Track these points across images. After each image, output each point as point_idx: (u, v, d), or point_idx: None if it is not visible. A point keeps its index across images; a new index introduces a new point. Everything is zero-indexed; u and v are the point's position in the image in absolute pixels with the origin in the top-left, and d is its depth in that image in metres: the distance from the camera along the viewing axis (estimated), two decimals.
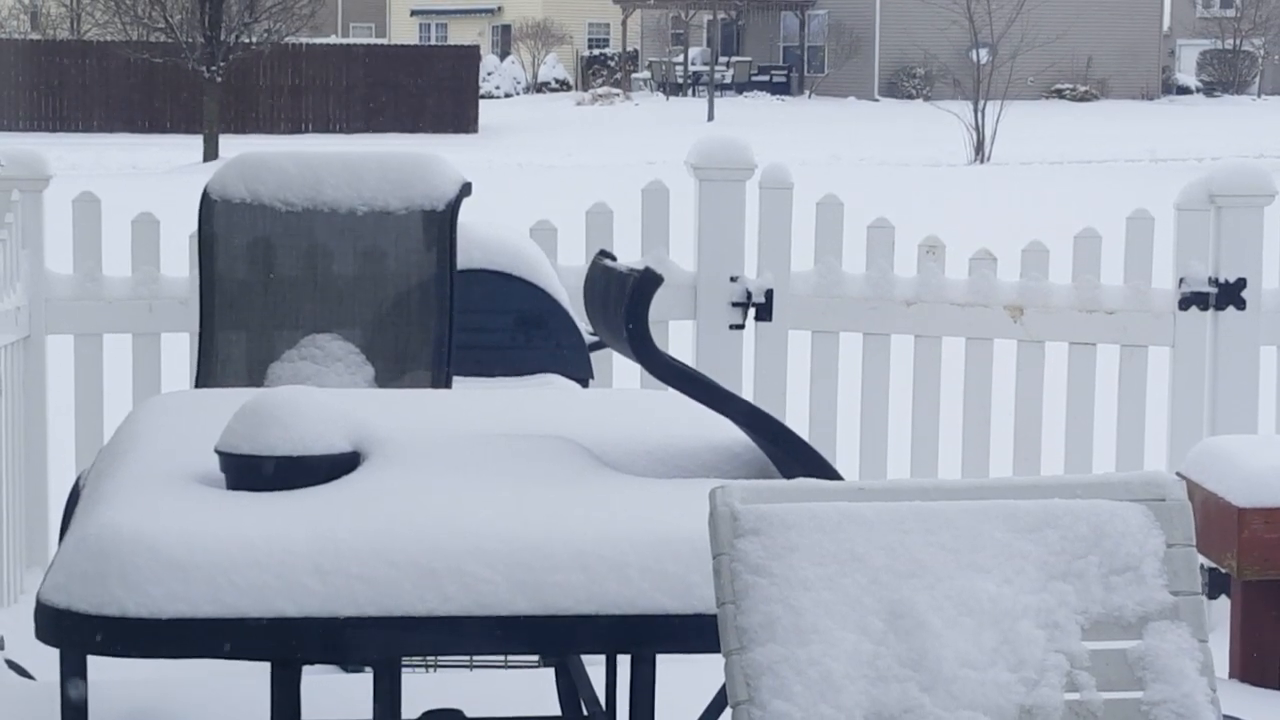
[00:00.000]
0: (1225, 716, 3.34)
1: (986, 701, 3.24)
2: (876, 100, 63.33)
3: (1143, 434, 8.01)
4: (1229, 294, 7.68)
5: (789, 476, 3.84)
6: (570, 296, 6.79)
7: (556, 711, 5.22)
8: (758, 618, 3.20)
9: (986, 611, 3.28)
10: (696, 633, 3.63)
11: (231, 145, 30.25)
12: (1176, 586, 3.34)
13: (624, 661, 4.69)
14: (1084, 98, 63.15)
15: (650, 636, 3.72)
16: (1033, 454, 8.06)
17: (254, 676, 5.99)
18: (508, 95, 63.36)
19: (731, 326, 7.97)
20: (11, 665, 6.32)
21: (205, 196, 5.89)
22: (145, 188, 22.51)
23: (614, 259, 4.78)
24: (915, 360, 8.10)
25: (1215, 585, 6.84)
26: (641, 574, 3.66)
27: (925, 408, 8.12)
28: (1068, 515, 3.35)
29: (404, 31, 74.44)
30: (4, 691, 6.00)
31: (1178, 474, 6.09)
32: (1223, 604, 6.78)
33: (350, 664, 6.00)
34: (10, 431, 7.25)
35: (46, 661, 6.30)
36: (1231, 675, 6.58)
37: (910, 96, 59.45)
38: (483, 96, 52.33)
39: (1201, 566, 6.74)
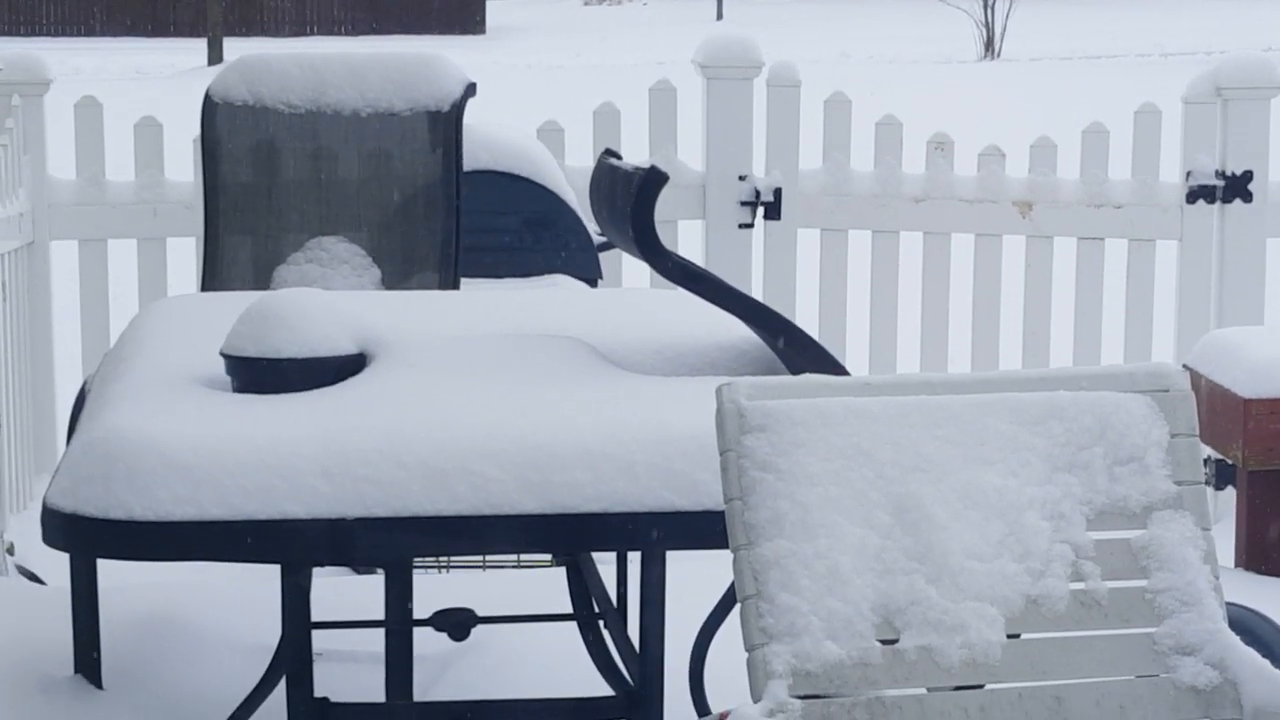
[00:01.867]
0: (1229, 604, 3.36)
1: (992, 592, 3.26)
2: None
3: (1150, 327, 8.02)
4: (1236, 187, 7.68)
5: (796, 372, 3.86)
6: (577, 196, 6.80)
7: (568, 610, 5.24)
8: (765, 513, 3.21)
9: (992, 504, 3.30)
10: (705, 529, 3.64)
11: (236, 48, 30.21)
12: (1180, 476, 3.36)
13: (634, 559, 4.71)
14: None
15: (659, 534, 3.73)
16: (1041, 349, 8.08)
17: (264, 579, 6.02)
18: None
19: (740, 225, 7.97)
20: (22, 571, 6.35)
21: (208, 99, 5.89)
22: (149, 92, 22.45)
23: (620, 158, 4.78)
24: (924, 257, 8.10)
25: (1221, 476, 6.85)
26: (649, 471, 3.68)
27: (934, 305, 8.13)
28: (1072, 407, 3.37)
29: None
30: (15, 596, 6.03)
31: (1184, 366, 6.12)
32: (1228, 494, 6.80)
33: (360, 565, 6.03)
34: (15, 337, 7.27)
35: (57, 566, 6.34)
36: (1236, 564, 6.61)
37: None
38: None
39: (1207, 458, 6.79)
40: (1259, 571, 6.56)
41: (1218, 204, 7.72)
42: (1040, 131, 8.21)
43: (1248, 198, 7.68)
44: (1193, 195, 7.74)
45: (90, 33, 42.94)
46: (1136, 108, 8.08)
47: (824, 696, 3.16)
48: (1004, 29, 39.80)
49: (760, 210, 7.97)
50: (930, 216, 8.01)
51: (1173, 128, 7.99)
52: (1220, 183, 7.69)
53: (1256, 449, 6.49)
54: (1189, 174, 7.76)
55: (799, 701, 3.14)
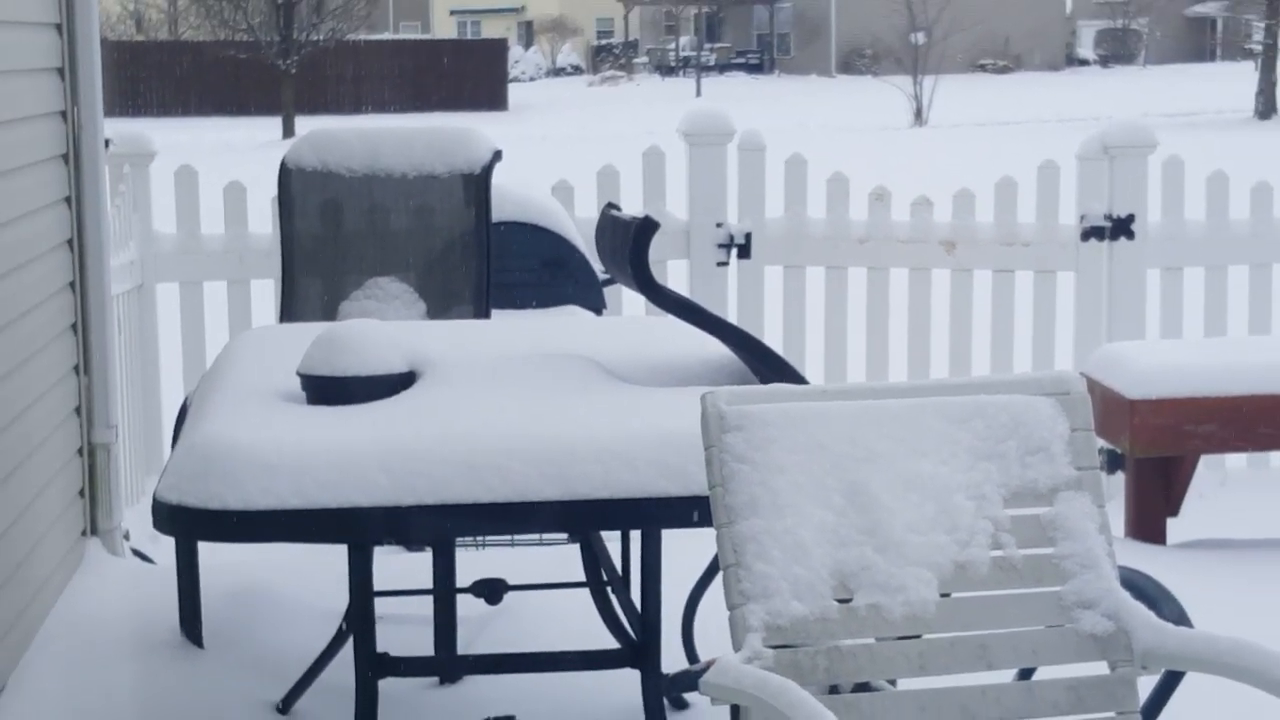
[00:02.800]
0: (1120, 567, 3.37)
1: (928, 559, 3.27)
2: (834, 77, 63.08)
3: (1053, 343, 8.02)
4: (1121, 227, 7.70)
5: (765, 383, 3.86)
6: (585, 242, 6.80)
7: (582, 579, 5.23)
8: (742, 497, 3.22)
9: (927, 487, 3.31)
10: (693, 511, 3.64)
11: (304, 124, 30.18)
12: (1080, 463, 3.37)
13: (635, 536, 4.71)
14: (1002, 70, 62.89)
15: (656, 515, 3.74)
16: (963, 362, 8.08)
17: (333, 556, 6.02)
18: (531, 79, 63.09)
19: (718, 264, 7.97)
20: (136, 553, 6.34)
21: (283, 166, 5.90)
22: (234, 161, 22.44)
23: (619, 210, 4.78)
24: (868, 288, 8.10)
25: (1112, 463, 6.85)
26: (648, 465, 3.68)
27: (876, 326, 8.13)
28: (991, 407, 3.38)
29: (444, 27, 74.18)
30: (130, 573, 6.03)
31: (1081, 373, 6.11)
32: (1119, 478, 6.80)
33: (412, 545, 6.02)
34: (128, 363, 7.27)
35: (164, 548, 6.34)
36: (1126, 535, 6.61)
37: (861, 73, 59.16)
38: (511, 80, 52.09)
39: (1101, 448, 6.76)
40: (1144, 540, 6.57)
41: (1106, 241, 7.72)
42: (961, 184, 8.21)
43: (1130, 236, 7.69)
44: (1086, 234, 7.75)
45: (186, 113, 42.97)
46: (1039, 163, 8.08)
47: (791, 646, 3.17)
48: (930, 102, 39.85)
49: (734, 251, 7.97)
50: (872, 254, 8.02)
51: (1069, 179, 8.00)
52: (1108, 224, 7.70)
53: (1141, 440, 6.51)
54: (1083, 217, 7.76)
55: (771, 651, 3.15)
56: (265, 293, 7.77)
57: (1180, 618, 3.56)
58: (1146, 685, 4.18)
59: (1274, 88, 39.97)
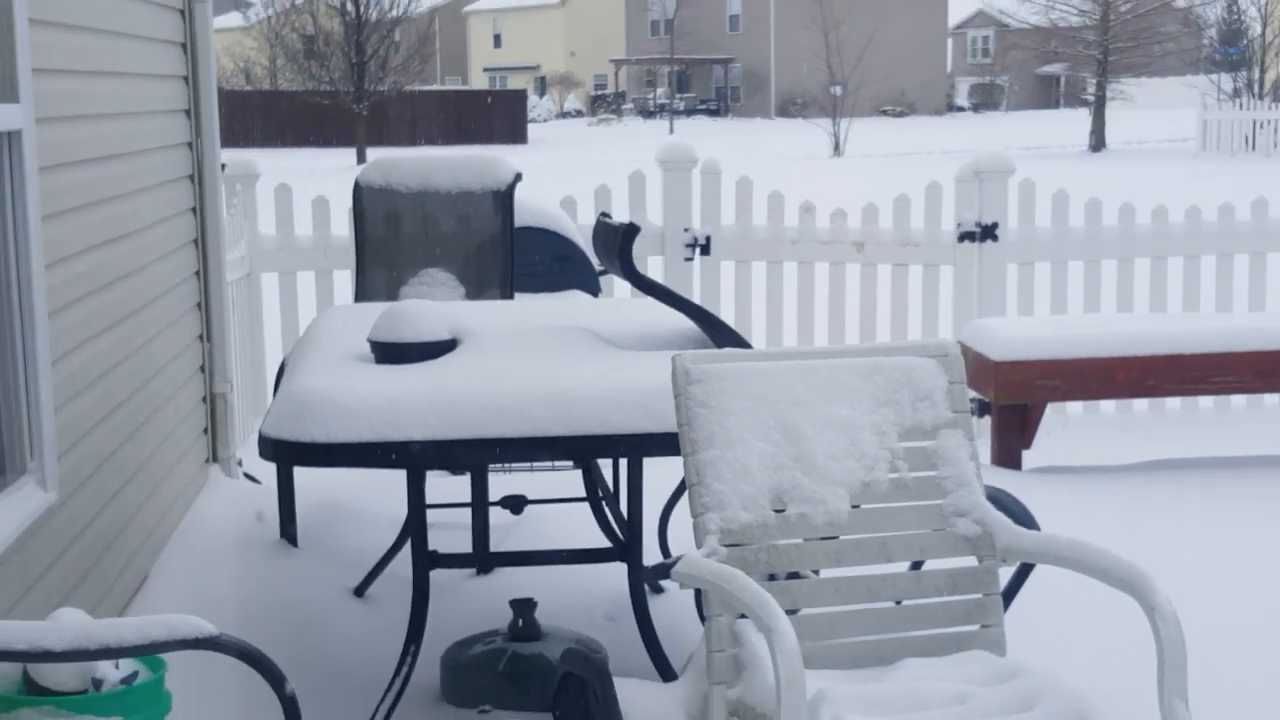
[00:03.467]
0: (986, 486, 3.39)
1: (842, 480, 3.28)
2: (773, 119, 62.94)
3: (937, 319, 8.01)
4: (987, 232, 7.69)
5: (720, 348, 3.85)
6: (585, 241, 6.80)
7: (583, 495, 5.23)
8: (702, 433, 3.23)
9: (841, 426, 3.32)
10: (667, 443, 3.63)
11: (373, 153, 30.19)
12: (955, 408, 3.39)
13: (623, 463, 4.70)
14: (899, 115, 62.77)
15: (638, 447, 3.74)
16: (870, 333, 8.06)
17: (396, 478, 6.02)
18: (544, 120, 62.86)
19: (685, 259, 7.96)
20: (247, 475, 6.34)
21: (357, 185, 5.89)
22: (319, 181, 22.34)
23: (610, 218, 4.77)
24: (799, 278, 8.08)
25: (981, 409, 6.86)
26: (634, 408, 3.68)
27: (804, 307, 8.10)
28: (889, 366, 3.39)
29: (479, 81, 74.07)
30: (242, 491, 6.03)
31: (958, 341, 6.11)
32: (986, 421, 6.82)
33: (455, 470, 6.02)
34: (240, 334, 7.26)
35: (267, 472, 6.32)
36: (991, 463, 6.63)
37: (793, 116, 58.79)
38: (529, 121, 51.96)
39: (972, 398, 6.76)
40: (1005, 467, 6.60)
41: (977, 243, 7.71)
42: (868, 199, 8.19)
43: (995, 238, 7.68)
44: (961, 237, 7.73)
45: (283, 145, 42.83)
46: (927, 184, 8.07)
47: (740, 545, 3.19)
48: (845, 138, 39.81)
49: (697, 249, 7.95)
50: (801, 252, 8.00)
51: (949, 196, 7.98)
52: (978, 229, 7.68)
53: (1002, 392, 6.53)
54: (959, 224, 7.75)
55: (725, 549, 3.17)
56: (343, 280, 7.75)
57: (1031, 523, 3.56)
58: (1006, 574, 4.17)
59: (1103, 129, 39.91)
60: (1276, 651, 4.43)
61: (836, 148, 39.56)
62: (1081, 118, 46.05)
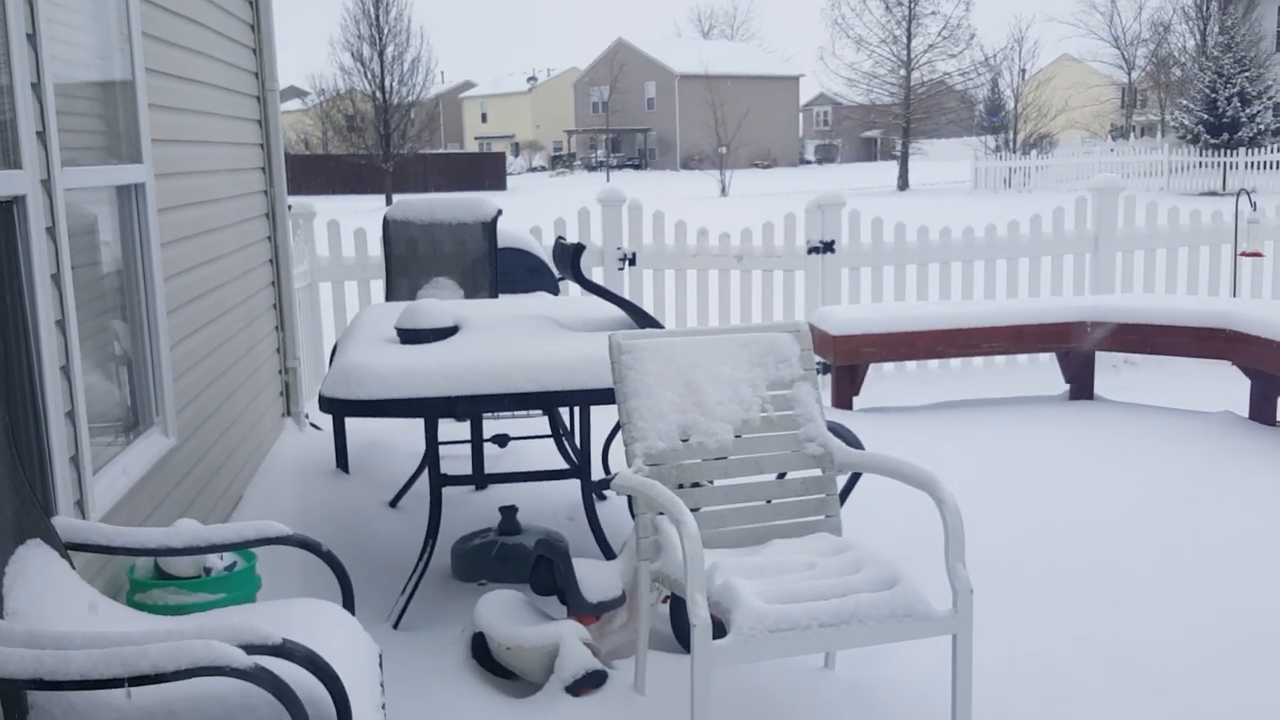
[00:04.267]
0: (827, 421, 3.40)
1: (727, 418, 3.26)
2: (679, 171, 62.66)
3: (794, 308, 8.05)
4: (828, 246, 7.70)
5: (642, 329, 3.85)
6: (548, 257, 6.76)
7: (549, 433, 5.23)
8: (630, 387, 3.22)
9: (727, 381, 3.31)
10: (606, 396, 3.63)
11: (396, 198, 29.93)
12: (805, 367, 3.38)
13: (577, 410, 4.70)
14: (766, 167, 62.64)
15: (586, 398, 3.70)
16: (748, 318, 8.07)
17: (417, 424, 5.99)
18: (519, 173, 62.18)
19: (618, 269, 7.92)
20: (313, 425, 6.28)
21: (385, 219, 5.82)
22: (358, 217, 22.13)
23: (565, 239, 4.75)
24: (698, 283, 8.08)
25: (824, 369, 6.88)
26: (584, 372, 3.66)
27: (702, 301, 8.08)
28: (760, 338, 3.38)
29: (471, 146, 73.25)
30: (308, 437, 5.97)
31: (809, 323, 6.14)
32: (828, 377, 6.84)
33: (459, 418, 6.01)
34: (305, 326, 7.18)
35: (325, 422, 6.26)
36: (832, 405, 6.66)
37: (693, 169, 58.50)
38: (508, 174, 51.44)
39: (818, 361, 6.77)
40: (841, 408, 6.62)
41: (821, 254, 7.73)
42: (745, 224, 8.21)
43: (833, 251, 7.70)
44: (810, 250, 7.74)
45: (333, 193, 42.22)
46: (785, 214, 8.09)
47: (657, 464, 3.18)
48: (729, 183, 39.74)
49: (626, 262, 7.93)
50: (699, 263, 7.97)
51: (801, 221, 8.00)
52: (821, 245, 7.69)
53: (839, 356, 6.55)
54: (808, 241, 7.76)
55: (647, 467, 3.16)
56: (378, 287, 7.69)
57: (858, 445, 3.59)
58: (842, 481, 4.19)
59: (907, 174, 39.99)
60: (1020, 525, 4.51)
61: (723, 190, 39.41)
62: (891, 167, 46.22)
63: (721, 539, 3.22)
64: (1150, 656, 3.38)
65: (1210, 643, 3.47)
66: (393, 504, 4.90)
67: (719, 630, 2.79)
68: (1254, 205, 8.20)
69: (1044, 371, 7.73)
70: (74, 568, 2.25)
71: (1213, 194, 26.93)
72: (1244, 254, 7.64)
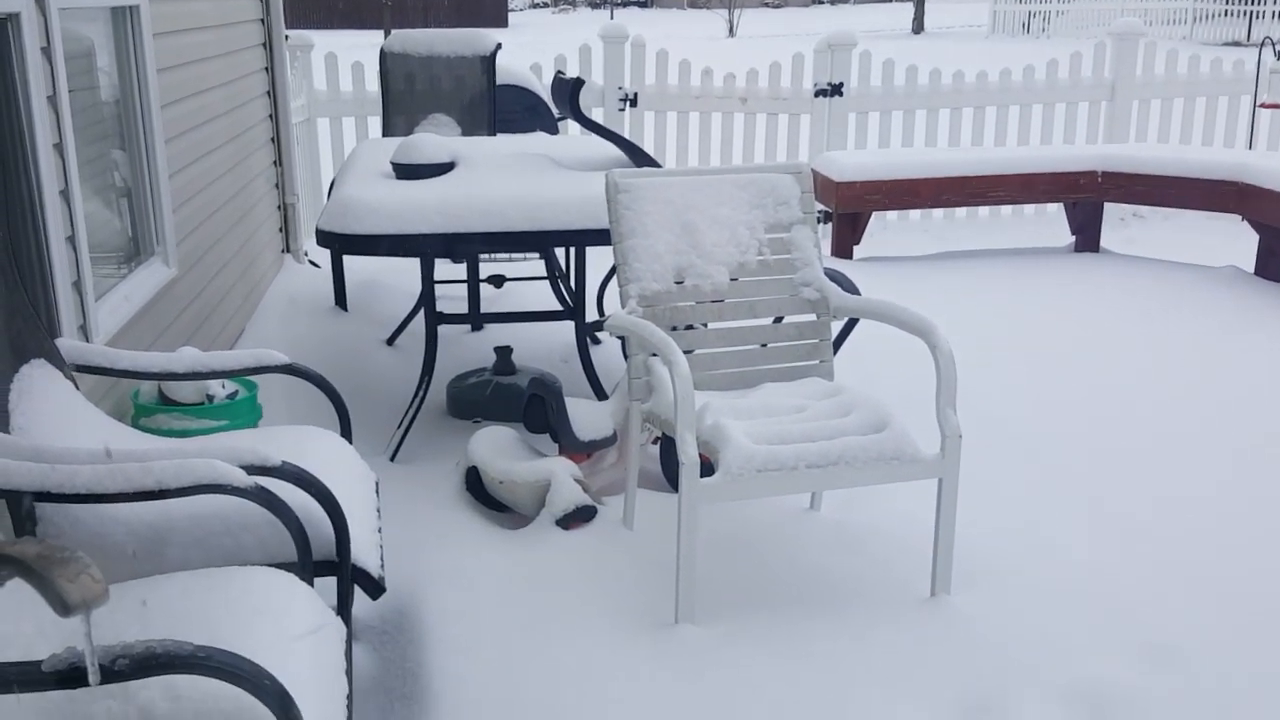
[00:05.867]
0: (825, 268, 3.42)
1: (723, 260, 3.29)
2: (685, 10, 61.18)
3: (798, 153, 7.99)
4: (835, 90, 7.61)
5: (640, 167, 3.85)
6: (546, 95, 6.68)
7: (545, 274, 5.27)
8: (626, 227, 3.23)
9: (724, 223, 3.32)
10: (601, 236, 3.66)
11: (395, 31, 29.41)
12: (805, 210, 3.38)
13: (572, 251, 4.73)
14: (777, 6, 61.09)
15: (583, 239, 3.71)
16: (750, 158, 8.03)
17: (413, 264, 6.02)
18: (520, 10, 60.79)
19: (619, 110, 7.84)
20: (312, 263, 6.31)
21: (382, 52, 5.74)
22: (357, 51, 21.74)
23: (565, 74, 4.71)
24: (699, 124, 8.00)
25: (826, 217, 6.89)
26: (579, 212, 3.67)
27: (704, 144, 8.04)
28: (759, 179, 3.38)
29: None
30: (307, 274, 6.01)
31: (811, 168, 6.11)
32: (829, 225, 6.84)
33: (456, 259, 6.04)
34: (304, 161, 7.15)
35: (324, 258, 6.29)
36: (831, 254, 6.68)
37: (700, 8, 57.19)
38: (509, 10, 50.27)
39: (820, 209, 6.77)
40: (841, 257, 6.65)
41: (828, 98, 7.65)
42: (751, 65, 8.10)
43: (841, 94, 7.61)
44: (817, 94, 7.65)
45: (331, 27, 41.30)
46: (793, 54, 7.97)
47: (651, 306, 3.21)
48: (737, 24, 38.83)
49: (628, 103, 7.84)
50: (702, 105, 7.88)
51: (810, 63, 7.90)
52: (829, 88, 7.60)
53: (841, 203, 6.55)
54: (816, 84, 7.66)
55: (641, 309, 3.20)
56: (375, 123, 7.63)
57: (855, 291, 3.63)
58: (838, 328, 4.25)
59: (923, 16, 39.07)
60: (1016, 376, 4.59)
61: (731, 30, 38.53)
62: (907, 9, 45.13)
63: (713, 381, 3.26)
64: (1139, 513, 3.48)
65: (1204, 502, 3.56)
66: (390, 342, 4.97)
67: (708, 471, 2.88)
68: (1278, 55, 8.06)
69: (1051, 224, 7.73)
70: (78, 389, 2.32)
71: (1236, 44, 26.35)
72: (1263, 105, 7.55)
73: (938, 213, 7.85)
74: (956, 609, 2.86)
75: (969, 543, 3.22)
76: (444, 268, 6.16)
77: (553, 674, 2.55)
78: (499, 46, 5.80)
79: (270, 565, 2.04)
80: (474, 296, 4.62)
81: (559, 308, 4.95)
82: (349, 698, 1.84)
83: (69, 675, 1.38)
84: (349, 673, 1.91)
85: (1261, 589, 3.00)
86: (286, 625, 1.74)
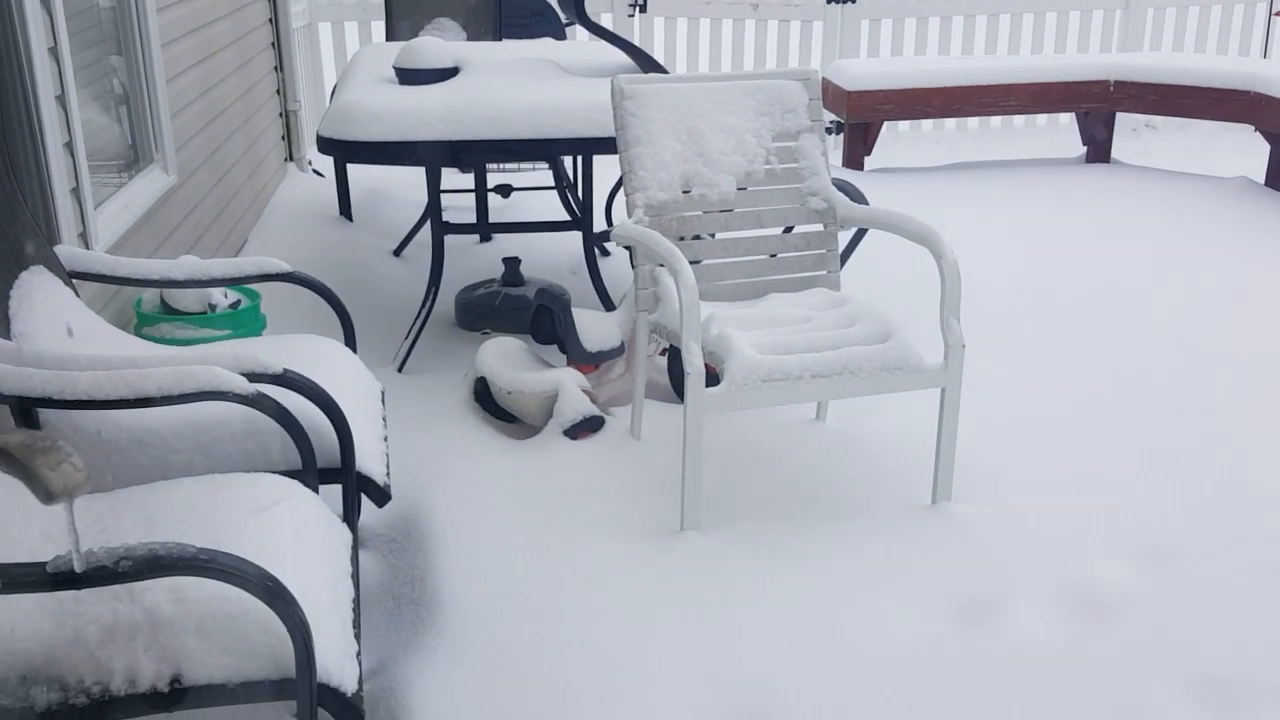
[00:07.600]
0: (834, 178, 3.39)
1: (731, 169, 3.27)
2: None
3: (810, 61, 7.87)
4: None
5: (646, 73, 3.80)
6: (554, 0, 6.57)
7: (552, 184, 5.23)
8: (632, 135, 3.20)
9: (731, 130, 3.29)
10: (608, 144, 3.63)
11: None
12: (813, 118, 3.34)
13: (580, 159, 4.68)
14: None
15: (589, 147, 3.66)
16: (762, 64, 7.90)
17: (418, 172, 5.98)
18: None
19: (628, 15, 7.71)
20: (315, 171, 6.27)
21: None
22: None
23: None
24: (710, 30, 7.88)
25: (837, 127, 6.81)
26: (585, 119, 3.63)
27: (715, 48, 7.93)
28: (767, 86, 3.33)
29: None
30: (310, 182, 5.98)
31: (823, 76, 6.03)
32: (840, 136, 6.77)
33: (464, 169, 5.99)
34: (306, 66, 7.07)
35: (327, 166, 6.25)
36: (843, 165, 6.62)
37: None
38: None
39: (830, 119, 6.70)
40: (852, 168, 6.59)
41: (842, 3, 7.51)
42: None
43: (854, 1, 7.47)
44: (829, 1, 7.51)
45: None
46: None
47: (658, 216, 3.20)
48: None
49: (637, 7, 7.71)
50: (712, 11, 7.75)
51: None
52: None
53: (852, 113, 6.47)
54: None
55: (648, 218, 3.18)
56: (379, 28, 7.51)
57: (863, 201, 3.60)
58: (845, 239, 4.22)
59: None
60: (1024, 286, 4.57)
61: None
62: None
63: (720, 292, 3.25)
64: (1148, 420, 3.48)
65: (1210, 415, 3.55)
66: (396, 252, 4.95)
67: (713, 381, 2.88)
68: None
69: (1063, 133, 7.63)
70: (79, 296, 2.31)
71: None
72: (1277, 14, 7.41)
73: (950, 123, 7.75)
74: (956, 515, 2.88)
75: (971, 451, 3.22)
76: (451, 177, 6.11)
77: (558, 579, 2.57)
78: None
79: (275, 473, 2.05)
80: (482, 206, 4.59)
81: (567, 218, 4.92)
82: (355, 601, 1.85)
83: (71, 577, 1.39)
84: (355, 577, 1.92)
85: (1265, 493, 3.01)
86: (290, 528, 1.75)
